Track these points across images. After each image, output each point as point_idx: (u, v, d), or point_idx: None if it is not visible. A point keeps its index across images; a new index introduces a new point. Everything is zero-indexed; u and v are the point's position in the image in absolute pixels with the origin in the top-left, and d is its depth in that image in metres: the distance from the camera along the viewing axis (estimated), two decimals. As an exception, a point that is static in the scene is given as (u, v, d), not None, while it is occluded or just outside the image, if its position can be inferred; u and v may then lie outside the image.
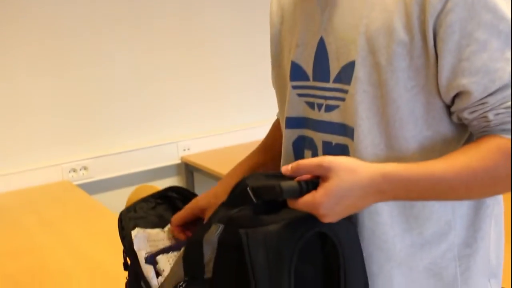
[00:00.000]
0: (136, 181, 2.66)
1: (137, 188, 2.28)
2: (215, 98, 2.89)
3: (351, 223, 0.94)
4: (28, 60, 2.40)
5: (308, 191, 0.84)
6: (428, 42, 0.90)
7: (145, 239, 1.08)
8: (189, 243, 0.93)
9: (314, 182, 0.84)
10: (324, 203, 0.83)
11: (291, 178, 0.86)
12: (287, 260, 0.84)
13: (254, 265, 0.83)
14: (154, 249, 1.08)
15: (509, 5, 0.89)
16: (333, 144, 1.03)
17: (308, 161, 0.86)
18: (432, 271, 1.00)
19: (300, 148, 1.11)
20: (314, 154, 1.07)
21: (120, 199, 2.40)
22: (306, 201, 0.84)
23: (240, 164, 1.29)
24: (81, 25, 2.48)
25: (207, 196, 1.18)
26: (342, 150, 1.01)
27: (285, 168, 0.87)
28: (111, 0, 2.53)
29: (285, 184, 0.83)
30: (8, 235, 1.95)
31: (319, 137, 1.05)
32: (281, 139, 1.18)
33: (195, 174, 2.83)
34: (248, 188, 0.85)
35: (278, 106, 1.18)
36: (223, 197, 0.98)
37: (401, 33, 0.91)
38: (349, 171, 0.84)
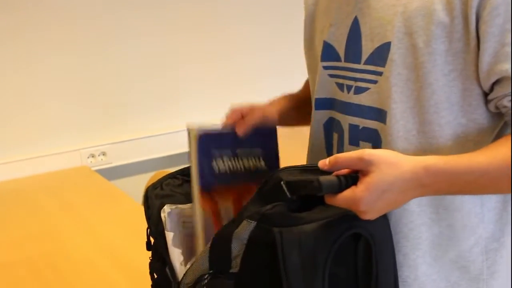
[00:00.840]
0: (155, 167, 2.64)
1: (156, 174, 2.27)
2: (232, 85, 2.86)
3: (386, 220, 0.91)
4: (48, 46, 2.39)
5: (347, 186, 0.80)
6: (470, 24, 0.86)
7: (178, 218, 1.03)
8: (217, 237, 0.90)
9: (354, 176, 0.80)
10: (365, 199, 0.79)
11: (327, 172, 0.82)
12: (321, 263, 0.81)
13: (287, 266, 0.80)
14: (187, 230, 1.02)
15: None
16: (360, 127, 1.00)
17: (347, 155, 0.82)
18: (458, 264, 0.98)
19: (330, 130, 1.08)
20: (341, 137, 1.05)
21: (138, 185, 2.38)
22: (346, 197, 0.80)
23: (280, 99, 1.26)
24: (99, 10, 2.46)
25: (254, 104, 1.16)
26: (370, 134, 0.99)
27: (323, 163, 0.83)
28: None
29: (324, 178, 0.78)
30: (27, 219, 1.95)
31: (346, 120, 1.03)
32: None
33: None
34: (282, 183, 0.82)
35: (310, 86, 1.15)
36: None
37: (441, 14, 0.88)
38: (390, 164, 0.81)
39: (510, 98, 0.87)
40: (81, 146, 2.52)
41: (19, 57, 2.34)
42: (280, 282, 0.80)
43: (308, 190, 0.80)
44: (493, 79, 0.87)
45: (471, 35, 0.87)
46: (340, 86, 1.04)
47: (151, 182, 2.16)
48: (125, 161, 2.62)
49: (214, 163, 1.07)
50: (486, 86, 0.89)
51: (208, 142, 1.08)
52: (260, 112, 1.14)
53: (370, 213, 0.81)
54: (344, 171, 0.83)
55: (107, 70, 2.52)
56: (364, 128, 1.00)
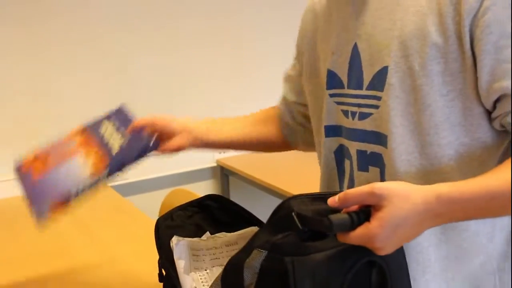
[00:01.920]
0: (171, 183, 2.63)
1: (172, 192, 2.25)
2: (252, 101, 2.85)
3: (401, 247, 0.88)
4: (59, 55, 2.39)
5: (360, 223, 0.77)
6: (464, 44, 0.85)
7: (186, 248, 1.04)
8: (229, 267, 0.88)
9: (365, 211, 0.78)
10: (380, 235, 0.77)
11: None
12: None
13: None
14: (196, 263, 1.03)
15: None
16: (368, 153, 1.00)
17: (357, 191, 0.80)
18: (470, 284, 0.96)
19: (341, 157, 1.08)
20: (350, 164, 1.04)
21: (154, 202, 2.37)
22: (360, 235, 0.77)
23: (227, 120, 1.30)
24: (110, 18, 2.47)
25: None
26: (377, 159, 0.98)
27: (332, 200, 0.80)
28: None
29: (335, 217, 0.76)
30: (39, 235, 1.94)
31: (353, 146, 1.03)
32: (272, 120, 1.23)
33: (231, 178, 2.80)
34: (293, 214, 0.79)
35: (312, 116, 1.15)
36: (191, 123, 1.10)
37: (434, 36, 0.87)
38: (403, 197, 0.78)
39: None
40: (97, 161, 2.50)
41: (29, 76, 2.35)
42: None
43: (319, 228, 0.78)
44: (493, 97, 0.86)
45: (467, 54, 0.86)
46: (345, 113, 1.04)
47: (168, 200, 2.16)
48: (141, 177, 2.61)
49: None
50: (488, 104, 0.88)
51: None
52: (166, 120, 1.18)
53: (386, 249, 0.79)
54: (355, 207, 0.80)
55: (125, 83, 2.52)
56: (371, 153, 0.99)
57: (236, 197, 2.75)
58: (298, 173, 2.50)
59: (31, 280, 1.62)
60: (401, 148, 0.93)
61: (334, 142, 1.08)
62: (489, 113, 0.90)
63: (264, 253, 0.82)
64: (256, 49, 2.81)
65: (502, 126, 0.89)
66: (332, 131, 1.08)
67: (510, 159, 0.85)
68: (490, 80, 0.85)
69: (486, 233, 0.94)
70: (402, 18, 0.92)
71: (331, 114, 1.07)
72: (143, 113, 2.67)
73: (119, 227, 2.00)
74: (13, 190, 2.32)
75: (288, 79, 1.28)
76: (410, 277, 0.92)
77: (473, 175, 0.87)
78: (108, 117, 1.35)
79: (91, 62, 2.45)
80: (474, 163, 0.91)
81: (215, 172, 2.81)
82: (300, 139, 1.29)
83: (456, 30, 0.86)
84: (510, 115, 0.86)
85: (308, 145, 1.26)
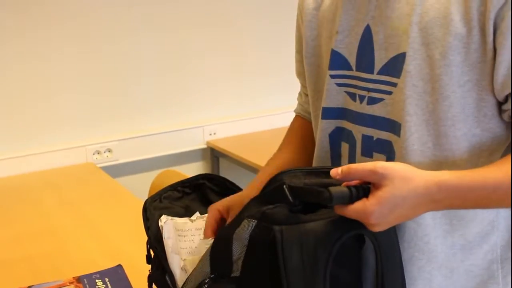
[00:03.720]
0: (161, 165, 2.62)
1: (161, 173, 2.24)
2: (243, 82, 2.83)
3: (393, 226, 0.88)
4: (56, 41, 2.37)
5: (358, 198, 0.78)
6: (487, 36, 0.84)
7: (173, 228, 1.04)
8: (217, 239, 0.88)
9: (365, 188, 0.78)
10: (376, 212, 0.77)
11: (334, 181, 0.81)
12: (322, 263, 0.78)
13: (287, 266, 0.77)
14: (182, 243, 1.03)
15: None
16: (374, 138, 0.97)
17: (361, 166, 0.80)
18: (473, 273, 0.95)
19: (337, 140, 1.05)
20: (352, 147, 1.02)
21: (144, 183, 2.36)
22: (357, 209, 0.78)
23: (268, 164, 1.22)
24: (111, 4, 2.43)
25: (232, 197, 1.10)
26: (384, 146, 0.96)
27: (335, 172, 0.80)
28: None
29: (335, 190, 0.77)
30: (30, 216, 1.93)
31: (358, 130, 1.00)
32: (308, 138, 1.14)
33: (221, 160, 2.79)
34: (284, 187, 0.80)
35: (310, 97, 1.12)
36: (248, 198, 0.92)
37: (458, 25, 0.85)
38: (404, 179, 0.79)
39: None
40: (87, 142, 2.50)
41: (27, 52, 2.33)
42: (281, 284, 0.78)
43: (317, 199, 0.78)
44: (506, 92, 0.86)
45: (488, 46, 0.85)
46: (352, 96, 1.01)
47: (157, 181, 2.15)
48: (131, 159, 2.60)
49: None
50: (501, 96, 0.87)
51: None
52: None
53: (380, 226, 0.80)
54: (355, 181, 0.80)
55: (115, 66, 2.50)
56: (378, 139, 0.97)
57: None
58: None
59: (20, 260, 1.62)
60: (415, 138, 0.92)
61: (330, 125, 1.06)
62: (500, 104, 0.89)
63: (253, 222, 0.82)
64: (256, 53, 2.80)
65: (511, 118, 0.89)
66: (332, 113, 1.05)
67: (496, 162, 0.86)
68: (507, 74, 0.84)
69: (490, 221, 0.94)
70: (422, 4, 0.89)
71: (331, 96, 1.04)
72: (142, 116, 2.65)
73: (108, 208, 1.99)
74: (1, 171, 2.32)
75: (298, 72, 1.23)
76: (416, 266, 0.93)
77: (482, 165, 0.87)
78: (103, 275, 1.46)
79: (89, 59, 2.43)
80: (483, 154, 0.91)
81: (205, 154, 2.80)
82: None
83: (480, 21, 0.84)
84: None
85: None
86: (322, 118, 1.06)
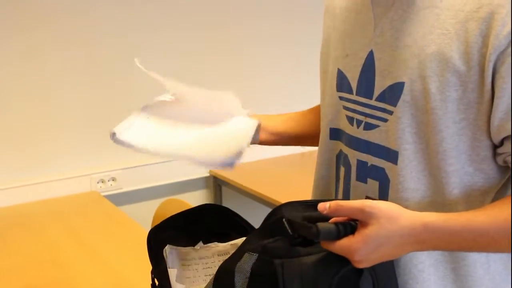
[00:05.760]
0: (164, 193, 2.63)
1: (165, 202, 2.25)
2: (246, 109, 2.85)
3: None
4: (62, 68, 2.39)
5: (345, 234, 0.81)
6: (486, 77, 0.85)
7: (179, 257, 1.05)
8: (220, 271, 0.89)
9: (352, 225, 0.81)
10: (361, 250, 0.80)
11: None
12: None
13: None
14: (187, 272, 1.04)
15: None
16: (369, 164, 0.99)
17: (349, 204, 0.82)
18: None
19: (339, 163, 1.07)
20: (348, 172, 1.04)
21: (148, 211, 2.37)
22: (342, 246, 0.81)
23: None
24: (111, 32, 2.47)
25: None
26: (378, 172, 0.98)
27: (323, 206, 0.83)
28: (142, 6, 2.52)
29: (322, 226, 0.80)
30: (35, 245, 1.94)
31: (354, 155, 1.02)
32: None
33: (224, 188, 2.80)
34: (284, 220, 0.82)
35: (321, 112, 1.15)
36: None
37: (457, 62, 0.87)
38: (390, 218, 0.81)
39: None
40: (91, 171, 2.51)
41: (32, 81, 2.35)
42: None
43: (307, 234, 0.81)
44: (503, 135, 0.86)
45: (486, 88, 0.86)
46: (350, 120, 1.03)
47: (161, 210, 2.16)
48: (135, 187, 2.61)
49: None
50: (496, 140, 0.88)
51: None
52: None
53: (364, 263, 0.82)
54: (343, 218, 0.83)
55: (119, 95, 2.52)
56: (372, 165, 0.99)
57: (229, 207, 2.75)
58: (291, 183, 2.51)
59: (26, 286, 1.62)
60: (413, 165, 0.93)
61: (337, 146, 1.08)
62: (495, 147, 0.90)
63: (255, 256, 0.84)
64: (256, 56, 2.83)
65: (505, 162, 0.90)
66: (336, 134, 1.08)
67: (505, 198, 0.87)
68: (504, 118, 0.85)
69: (482, 264, 0.94)
70: (424, 37, 0.90)
71: (337, 117, 1.07)
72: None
73: (112, 237, 2.00)
74: (5, 199, 2.33)
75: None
76: None
77: (473, 205, 0.89)
78: None
79: (90, 68, 2.46)
80: (475, 193, 0.91)
81: (208, 182, 2.82)
82: None
83: (480, 62, 0.85)
84: None
85: None
86: (329, 139, 1.09)
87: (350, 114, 1.03)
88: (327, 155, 1.10)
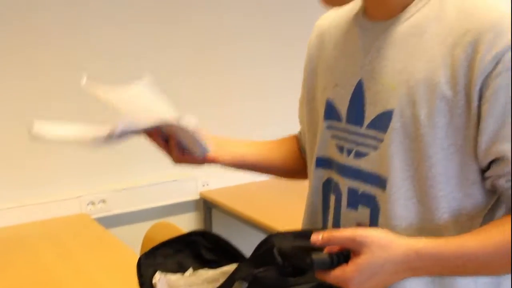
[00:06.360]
0: (154, 215, 2.63)
1: (154, 225, 2.25)
2: (236, 135, 2.86)
3: None
4: (50, 90, 2.40)
5: (338, 264, 0.82)
6: (472, 102, 0.86)
7: (168, 284, 1.06)
8: None
9: (345, 254, 0.83)
10: (355, 279, 0.81)
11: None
12: None
13: None
14: None
15: None
16: (360, 192, 1.00)
17: (340, 234, 0.84)
18: None
19: (328, 191, 1.08)
20: (338, 200, 1.04)
21: (137, 234, 2.36)
22: (336, 276, 0.82)
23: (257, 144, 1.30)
24: (98, 57, 2.49)
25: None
26: (369, 199, 0.98)
27: (316, 238, 0.84)
28: (131, 29, 2.54)
29: (317, 256, 0.82)
30: (24, 266, 1.94)
31: (345, 183, 1.02)
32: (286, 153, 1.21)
33: (214, 211, 2.81)
34: (274, 249, 0.83)
35: (308, 141, 1.15)
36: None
37: (444, 88, 0.88)
38: (382, 246, 0.83)
39: (506, 179, 0.87)
40: (81, 193, 2.51)
41: (22, 102, 2.36)
42: None
43: (301, 264, 0.83)
44: (490, 158, 0.88)
45: (472, 112, 0.87)
46: (340, 148, 1.04)
47: (151, 233, 2.16)
48: (124, 209, 2.61)
49: None
50: (483, 164, 0.89)
51: None
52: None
53: None
54: (336, 247, 0.84)
55: (108, 116, 2.53)
56: (363, 193, 1.00)
57: (219, 230, 2.76)
58: (282, 207, 2.52)
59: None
60: (401, 193, 0.94)
61: (324, 174, 1.08)
62: (483, 171, 0.91)
63: (245, 284, 0.85)
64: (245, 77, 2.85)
65: (493, 186, 0.90)
66: (324, 162, 1.08)
67: (494, 222, 0.89)
68: (490, 141, 0.86)
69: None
70: (413, 64, 0.91)
71: (324, 145, 1.07)
72: (136, 167, 2.64)
73: (102, 259, 2.00)
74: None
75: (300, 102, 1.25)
76: None
77: (462, 229, 0.90)
78: None
79: (81, 111, 2.46)
80: (463, 218, 0.92)
81: (198, 205, 2.82)
82: None
83: (466, 86, 0.86)
84: (503, 178, 0.88)
85: None
86: (316, 167, 1.09)
87: (340, 142, 1.04)
88: (315, 183, 1.11)
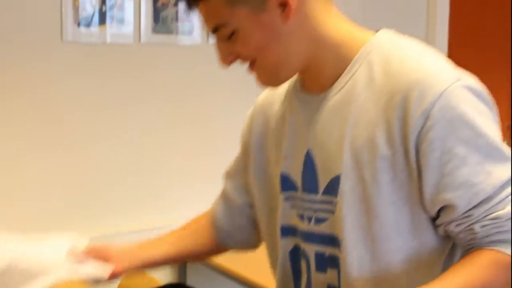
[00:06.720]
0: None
1: (128, 273, 2.22)
2: (216, 183, 2.86)
3: None
4: (20, 138, 2.39)
5: None
6: (411, 157, 0.92)
7: None
8: None
9: None
10: None
11: None
12: None
13: None
14: None
15: (486, 119, 0.92)
16: (326, 255, 1.04)
17: None
18: None
19: (296, 257, 1.11)
20: (308, 265, 1.08)
21: (111, 283, 2.33)
22: None
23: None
24: (81, 105, 2.49)
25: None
26: (335, 261, 1.02)
27: None
28: (113, 81, 2.56)
29: None
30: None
31: (311, 249, 1.06)
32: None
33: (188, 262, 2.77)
34: None
35: (262, 215, 1.18)
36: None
37: (383, 148, 0.94)
38: None
39: (456, 223, 0.92)
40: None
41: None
42: None
43: None
44: (437, 207, 0.93)
45: (412, 166, 0.92)
46: (301, 217, 1.08)
47: (125, 282, 2.12)
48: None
49: None
50: (432, 212, 0.94)
51: None
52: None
53: None
54: None
55: (87, 164, 2.52)
56: (329, 255, 1.03)
57: (194, 281, 2.72)
58: (258, 258, 2.50)
59: None
60: (354, 254, 0.98)
61: (289, 242, 1.11)
62: (434, 219, 0.96)
63: None
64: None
65: (445, 232, 0.95)
66: (288, 231, 1.11)
67: (452, 267, 0.93)
68: (434, 192, 0.92)
69: None
70: (353, 130, 0.97)
71: (286, 215, 1.10)
72: (115, 215, 2.64)
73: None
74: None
75: (232, 176, 1.29)
76: None
77: (421, 278, 0.93)
78: None
79: (62, 164, 2.47)
80: (421, 266, 0.96)
81: (173, 255, 2.79)
82: (239, 242, 1.31)
83: (402, 144, 0.92)
84: (453, 223, 0.93)
85: (249, 246, 1.32)
86: (281, 237, 1.12)
87: (300, 211, 1.08)
88: (282, 251, 1.13)
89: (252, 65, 1.03)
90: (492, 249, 0.91)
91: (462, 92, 0.92)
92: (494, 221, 0.90)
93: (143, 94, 2.63)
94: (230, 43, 1.00)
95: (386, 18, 3.15)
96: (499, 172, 0.90)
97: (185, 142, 2.76)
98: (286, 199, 1.10)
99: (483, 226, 0.91)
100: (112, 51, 2.54)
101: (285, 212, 1.10)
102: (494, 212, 0.90)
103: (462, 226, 0.92)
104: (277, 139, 1.12)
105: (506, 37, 3.77)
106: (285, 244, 1.12)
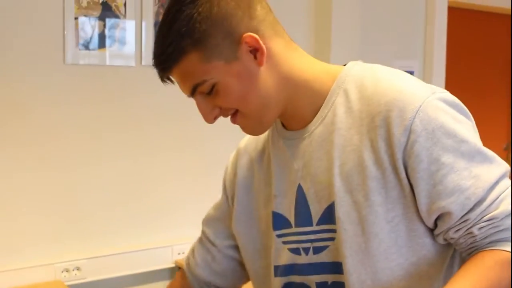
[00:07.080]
0: (129, 283, 2.64)
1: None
2: (211, 202, 2.88)
3: None
4: (21, 157, 2.37)
5: None
6: (400, 173, 0.96)
7: None
8: None
9: None
10: None
11: None
12: None
13: None
14: None
15: (464, 126, 0.97)
16: (329, 283, 1.06)
17: None
18: None
19: None
20: None
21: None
22: None
23: None
24: (77, 127, 2.47)
25: None
26: (339, 287, 1.04)
27: None
28: (109, 105, 2.55)
29: None
30: None
31: (311, 280, 1.08)
32: None
33: (187, 278, 2.79)
34: None
35: (249, 256, 1.20)
36: None
37: (372, 169, 0.97)
38: None
39: (454, 229, 0.95)
40: (56, 260, 2.49)
41: None
42: None
43: None
44: (434, 217, 0.97)
45: (403, 182, 0.96)
46: (295, 251, 1.09)
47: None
48: (99, 277, 2.59)
49: None
50: (430, 223, 0.98)
51: None
52: None
53: None
54: None
55: (84, 186, 2.52)
56: (333, 282, 1.06)
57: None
58: None
59: None
60: (354, 277, 1.00)
61: (281, 281, 1.12)
62: (431, 230, 0.99)
63: None
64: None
65: (445, 240, 0.99)
66: (284, 271, 1.12)
67: (457, 272, 0.95)
68: (428, 202, 0.95)
69: None
70: (340, 157, 1.00)
71: (280, 254, 1.12)
72: (111, 234, 2.63)
73: None
74: None
75: (212, 222, 1.30)
76: None
77: None
78: None
79: (45, 164, 2.48)
80: (423, 279, 0.99)
81: (173, 273, 2.81)
82: (224, 284, 1.31)
83: (391, 162, 0.96)
84: (451, 229, 0.96)
85: (234, 286, 1.31)
86: (274, 276, 1.14)
87: (294, 246, 1.09)
88: None
89: (235, 116, 1.05)
90: (494, 249, 0.93)
91: (438, 104, 0.96)
92: (491, 221, 0.93)
93: (144, 116, 2.66)
94: (210, 98, 1.02)
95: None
96: (486, 175, 0.94)
97: (184, 163, 2.76)
98: (279, 236, 1.11)
99: (480, 228, 0.93)
100: (113, 73, 2.58)
101: (278, 252, 1.11)
102: (489, 213, 0.93)
103: (461, 231, 0.95)
104: (266, 179, 1.14)
105: (506, 59, 3.79)
106: (277, 284, 1.13)
